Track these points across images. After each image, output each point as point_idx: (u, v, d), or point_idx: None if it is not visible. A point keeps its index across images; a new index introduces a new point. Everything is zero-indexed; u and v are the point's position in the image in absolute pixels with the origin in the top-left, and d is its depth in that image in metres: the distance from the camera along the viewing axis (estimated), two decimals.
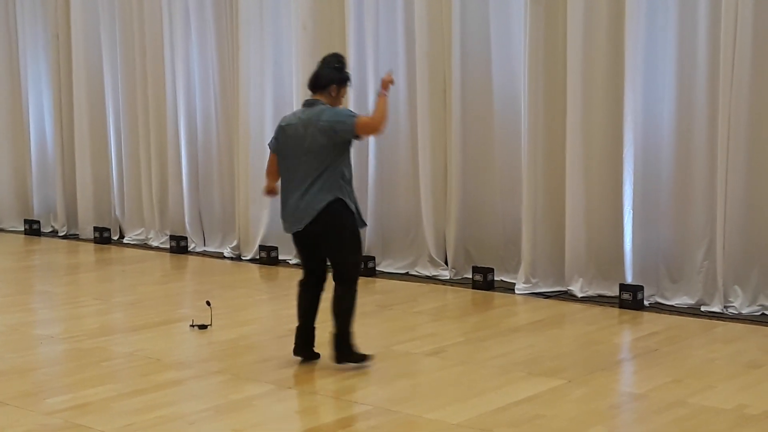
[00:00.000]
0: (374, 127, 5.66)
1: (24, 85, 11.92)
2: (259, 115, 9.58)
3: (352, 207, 5.63)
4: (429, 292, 8.15)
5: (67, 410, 5.03)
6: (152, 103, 10.54)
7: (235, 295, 8.09)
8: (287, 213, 5.69)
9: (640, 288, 7.38)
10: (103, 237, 11.04)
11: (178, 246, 10.28)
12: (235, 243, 9.92)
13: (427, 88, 8.49)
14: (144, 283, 8.83)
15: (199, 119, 10.30)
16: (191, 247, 10.32)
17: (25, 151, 12.03)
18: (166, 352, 6.23)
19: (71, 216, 11.59)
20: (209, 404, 5.18)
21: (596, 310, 7.37)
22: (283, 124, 5.80)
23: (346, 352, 5.67)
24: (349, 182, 5.65)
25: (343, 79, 5.72)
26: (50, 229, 11.86)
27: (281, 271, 9.26)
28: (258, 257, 9.61)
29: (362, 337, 5.89)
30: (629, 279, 7.48)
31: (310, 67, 9.03)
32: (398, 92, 8.77)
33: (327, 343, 5.92)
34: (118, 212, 11.20)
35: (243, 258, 9.79)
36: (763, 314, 7.00)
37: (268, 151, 5.92)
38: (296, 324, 5.86)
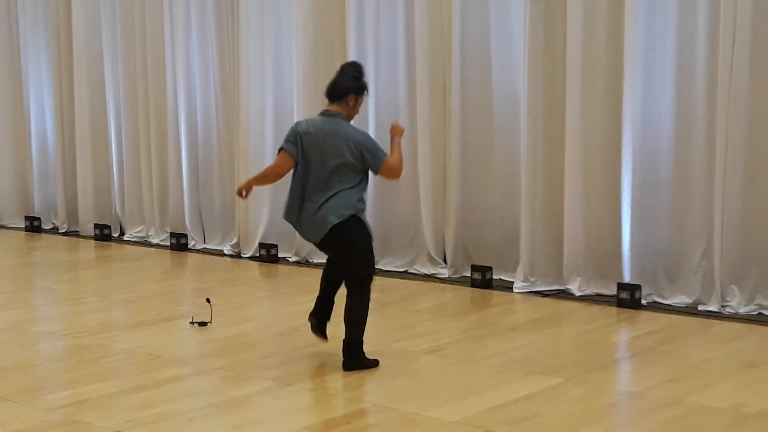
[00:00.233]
0: (396, 174, 5.75)
1: (25, 83, 11.93)
2: (260, 114, 9.59)
3: (366, 223, 5.67)
4: (428, 291, 8.17)
5: (67, 406, 5.06)
6: (153, 101, 10.56)
7: (235, 293, 8.11)
8: (301, 221, 5.69)
9: (638, 287, 7.41)
10: (103, 234, 11.06)
11: (178, 243, 10.30)
12: (235, 240, 9.94)
13: (427, 88, 8.50)
14: (144, 280, 8.85)
15: (200, 117, 10.32)
16: (191, 244, 10.34)
17: (26, 148, 12.05)
18: (166, 349, 6.25)
19: (72, 213, 11.61)
20: (209, 401, 5.20)
21: (594, 309, 7.39)
22: (300, 131, 5.68)
23: (356, 360, 5.68)
24: (364, 201, 5.68)
25: (360, 89, 5.70)
26: (51, 226, 11.88)
27: (281, 268, 9.28)
28: (258, 255, 9.63)
29: None
30: (627, 278, 7.51)
31: (311, 66, 9.21)
32: (398, 91, 8.80)
33: (330, 339, 5.95)
34: (118, 209, 11.22)
35: (243, 255, 9.81)
36: (760, 314, 7.02)
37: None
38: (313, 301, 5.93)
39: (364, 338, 5.69)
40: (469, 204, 8.50)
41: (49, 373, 5.82)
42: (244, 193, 5.90)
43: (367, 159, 5.60)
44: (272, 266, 9.38)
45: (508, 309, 7.57)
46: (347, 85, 5.67)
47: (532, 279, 7.95)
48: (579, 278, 7.74)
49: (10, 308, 7.63)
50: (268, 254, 9.52)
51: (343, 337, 5.68)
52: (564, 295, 7.79)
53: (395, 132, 5.78)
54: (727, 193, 7.02)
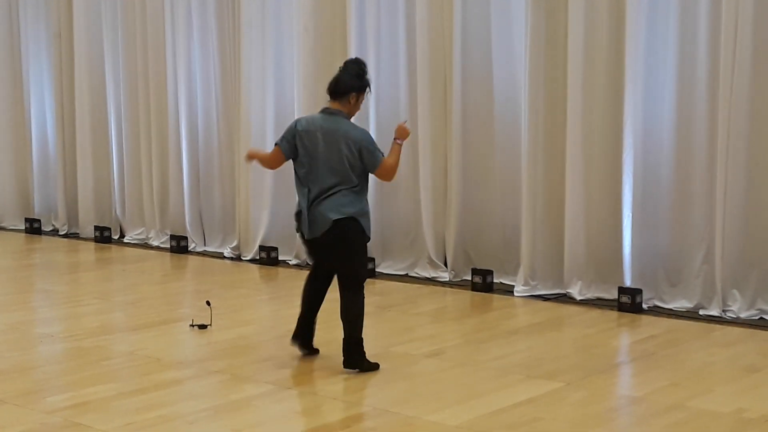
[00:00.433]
0: (389, 177, 5.72)
1: (26, 84, 11.93)
2: (261, 116, 9.59)
3: (365, 224, 5.65)
4: (428, 294, 8.16)
5: (66, 409, 5.05)
6: (154, 103, 10.56)
7: (235, 295, 8.11)
8: (302, 218, 5.69)
9: (639, 291, 7.40)
10: (103, 236, 11.05)
11: (179, 246, 10.30)
12: (235, 243, 9.93)
13: (428, 90, 8.50)
14: (144, 283, 8.84)
15: (201, 119, 10.32)
16: (191, 247, 10.33)
17: (27, 149, 12.04)
18: (165, 352, 6.24)
19: (72, 215, 11.61)
20: (209, 404, 5.19)
21: (595, 313, 7.38)
22: (300, 128, 5.68)
23: (356, 357, 5.68)
24: (365, 199, 5.68)
25: (363, 87, 5.70)
26: (51, 228, 11.87)
27: (281, 271, 9.27)
28: (258, 258, 9.62)
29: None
30: (628, 282, 7.50)
31: (312, 68, 9.20)
32: (399, 93, 8.79)
33: (328, 342, 5.95)
34: (118, 211, 11.21)
35: (243, 258, 9.80)
36: (761, 318, 7.01)
37: (271, 146, 5.93)
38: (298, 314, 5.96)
39: (364, 339, 5.68)
40: (470, 207, 8.49)
41: (48, 376, 5.81)
42: (249, 158, 6.04)
43: (364, 156, 5.59)
44: (272, 269, 9.37)
45: (509, 313, 7.56)
46: (350, 83, 5.67)
47: (532, 283, 7.94)
48: (580, 282, 7.73)
49: (10, 310, 7.62)
50: (268, 257, 9.51)
51: (342, 336, 5.67)
52: (565, 299, 7.78)
53: (400, 134, 5.75)
54: (729, 198, 7.02)
